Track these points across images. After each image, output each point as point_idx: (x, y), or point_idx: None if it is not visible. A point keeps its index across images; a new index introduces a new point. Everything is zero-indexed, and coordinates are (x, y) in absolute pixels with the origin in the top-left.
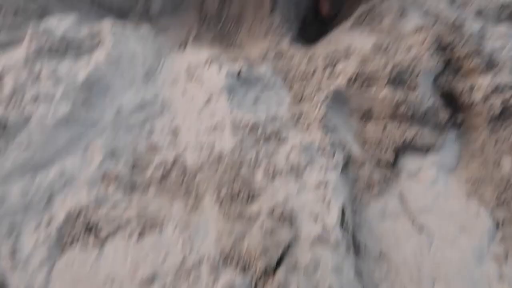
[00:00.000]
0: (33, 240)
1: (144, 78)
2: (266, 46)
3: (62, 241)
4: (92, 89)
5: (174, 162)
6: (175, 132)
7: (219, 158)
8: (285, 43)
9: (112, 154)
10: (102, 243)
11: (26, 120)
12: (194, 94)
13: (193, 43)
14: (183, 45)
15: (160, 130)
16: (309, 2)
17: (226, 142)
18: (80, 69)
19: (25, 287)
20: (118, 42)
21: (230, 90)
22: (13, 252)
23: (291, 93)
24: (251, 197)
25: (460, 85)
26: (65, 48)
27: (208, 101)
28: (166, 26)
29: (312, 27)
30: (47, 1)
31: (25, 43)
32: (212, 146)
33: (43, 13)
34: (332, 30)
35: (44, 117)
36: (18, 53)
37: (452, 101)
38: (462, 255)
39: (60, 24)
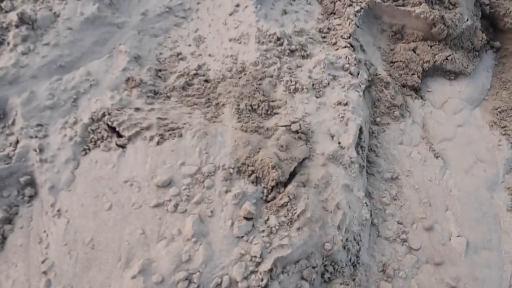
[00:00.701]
0: (60, 138)
1: None
2: None
3: (87, 141)
4: None
5: (197, 72)
6: (199, 41)
7: (242, 69)
8: None
9: (136, 59)
10: (124, 145)
11: (54, 18)
12: (222, 1)
13: None
14: None
15: (185, 38)
16: None
17: (249, 54)
18: None
19: (50, 183)
20: None
21: None
22: (41, 149)
23: (322, 5)
24: (270, 111)
25: (504, 6)
26: None
27: (236, 9)
28: None
29: None
30: None
31: None
32: (235, 57)
33: None
34: None
35: (72, 16)
36: None
37: (492, 24)
38: (474, 184)
39: None
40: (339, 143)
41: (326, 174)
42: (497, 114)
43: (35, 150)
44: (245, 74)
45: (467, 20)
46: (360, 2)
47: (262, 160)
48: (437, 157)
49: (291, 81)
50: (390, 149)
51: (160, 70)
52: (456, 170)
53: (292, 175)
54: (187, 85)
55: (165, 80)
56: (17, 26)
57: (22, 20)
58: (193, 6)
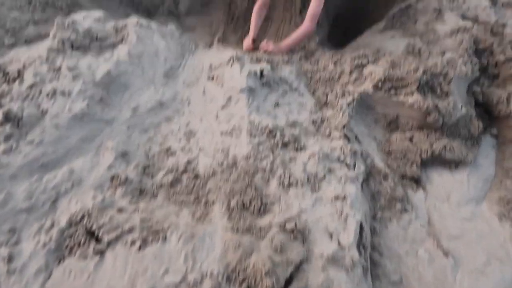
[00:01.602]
0: (32, 245)
1: (164, 77)
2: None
3: (62, 248)
4: (110, 86)
5: (186, 167)
6: (190, 135)
7: (233, 164)
8: (312, 45)
9: (123, 156)
10: (102, 251)
11: (41, 116)
12: (214, 94)
13: (219, 43)
14: (209, 44)
15: (176, 132)
16: (340, 4)
17: (241, 147)
18: (101, 65)
19: None
20: (141, 38)
21: (251, 92)
22: (11, 257)
23: (315, 97)
24: (262, 209)
25: (497, 94)
26: (89, 43)
27: (227, 102)
28: (193, 25)
29: (342, 29)
30: None
31: (50, 36)
32: (226, 151)
33: (71, 9)
34: (362, 33)
35: (59, 113)
36: (42, 47)
37: (487, 111)
38: (491, 286)
39: (86, 19)
40: (338, 242)
41: (326, 279)
42: (505, 206)
43: (4, 260)
44: (236, 169)
45: (462, 108)
46: (353, 92)
47: (254, 265)
48: (446, 256)
49: (285, 175)
50: (394, 248)
51: (148, 167)
52: (469, 270)
53: (289, 281)
54: (176, 181)
55: (152, 177)
56: (1, 124)
57: (7, 118)
58: (185, 100)
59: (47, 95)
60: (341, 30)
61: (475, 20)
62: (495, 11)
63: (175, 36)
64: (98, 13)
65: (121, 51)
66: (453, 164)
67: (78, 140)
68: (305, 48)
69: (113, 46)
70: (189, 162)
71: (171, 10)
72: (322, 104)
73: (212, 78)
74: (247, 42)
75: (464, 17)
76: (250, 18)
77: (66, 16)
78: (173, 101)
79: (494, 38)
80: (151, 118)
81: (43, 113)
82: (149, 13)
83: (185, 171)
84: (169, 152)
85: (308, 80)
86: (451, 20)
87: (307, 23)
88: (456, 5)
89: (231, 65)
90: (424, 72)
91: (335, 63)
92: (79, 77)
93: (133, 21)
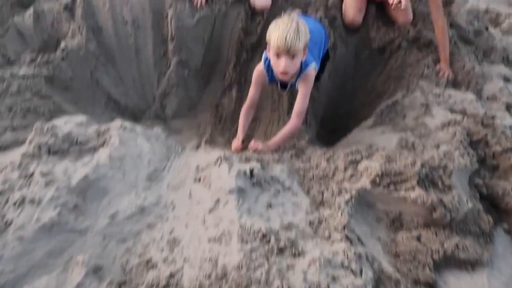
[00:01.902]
0: None
1: (147, 180)
2: (282, 146)
3: None
4: (87, 192)
5: (169, 282)
6: (174, 244)
7: (223, 275)
8: (302, 144)
9: (96, 271)
10: None
11: (4, 227)
12: (201, 197)
13: (206, 145)
14: (196, 146)
15: (158, 241)
16: (327, 106)
17: (231, 255)
18: (78, 170)
19: None
20: (124, 141)
21: (240, 193)
22: None
23: (309, 197)
24: None
25: (501, 186)
26: (68, 147)
27: (215, 205)
28: (180, 128)
29: (330, 129)
30: (59, 103)
31: (27, 142)
32: (215, 260)
33: (53, 115)
34: (351, 131)
35: (25, 224)
36: (16, 153)
37: (493, 205)
38: None
39: (68, 123)
40: None
41: None
42: None
43: None
44: (227, 281)
45: (467, 202)
46: (350, 190)
47: None
48: None
49: (283, 287)
50: None
51: (124, 283)
52: None
53: None
54: None
55: None
56: None
57: None
58: (170, 205)
59: (14, 204)
60: (329, 129)
61: (464, 113)
62: (481, 104)
63: (160, 139)
64: (81, 118)
65: (102, 154)
66: (469, 265)
67: (44, 254)
68: (296, 147)
69: (94, 149)
70: (172, 276)
71: (158, 114)
72: (318, 204)
73: (199, 180)
74: (236, 143)
75: (452, 110)
76: (238, 119)
77: (47, 122)
78: (156, 206)
79: (486, 129)
80: (131, 225)
81: (7, 224)
82: (135, 117)
83: (167, 286)
84: (149, 264)
85: (301, 178)
86: (440, 114)
87: (293, 121)
88: (442, 99)
89: (219, 165)
90: (422, 165)
91: (327, 160)
92: (53, 183)
93: (116, 125)
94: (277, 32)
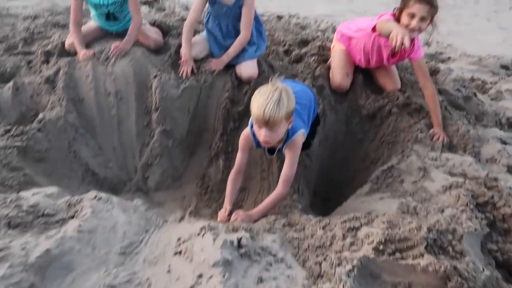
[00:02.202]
0: None
1: (120, 255)
2: (273, 216)
3: None
4: (47, 269)
5: None
6: None
7: None
8: (295, 213)
9: None
10: None
11: None
12: (181, 272)
13: (190, 216)
14: (179, 219)
15: None
16: (319, 173)
17: None
18: (40, 244)
19: None
20: (97, 212)
21: (227, 266)
22: None
23: (306, 269)
24: None
25: None
26: (32, 220)
27: (197, 280)
28: (163, 200)
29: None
30: (31, 176)
31: None
32: None
33: (23, 188)
34: (346, 198)
35: None
36: None
37: (510, 273)
38: None
39: (36, 194)
40: None
41: None
42: None
43: None
44: None
45: (484, 270)
46: (351, 259)
47: None
48: None
49: None
50: None
51: None
52: None
53: None
54: None
55: None
56: None
57: None
58: (145, 282)
59: None
60: (323, 198)
61: (465, 175)
62: (481, 167)
63: (139, 210)
64: (52, 189)
65: (70, 226)
66: None
67: None
68: (287, 216)
69: (62, 222)
70: None
71: (140, 186)
72: (316, 276)
73: (180, 253)
74: (222, 214)
75: (451, 174)
76: (225, 189)
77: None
78: (128, 284)
79: (491, 191)
80: None
81: None
82: (115, 190)
83: None
84: None
85: (295, 249)
86: (440, 177)
87: (280, 187)
88: (440, 163)
89: (203, 235)
90: (429, 230)
91: (323, 228)
92: (6, 259)
93: (90, 195)
94: (257, 102)
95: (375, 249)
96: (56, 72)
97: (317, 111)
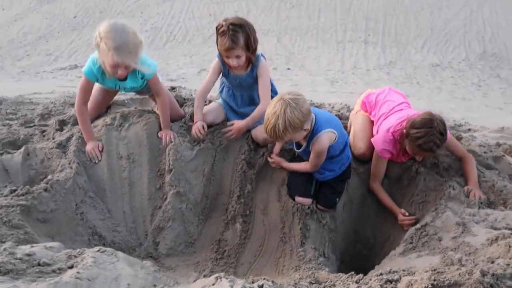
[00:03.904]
0: None
1: None
2: (298, 275)
3: None
4: None
5: None
6: None
7: None
8: (322, 273)
9: None
10: None
11: None
12: None
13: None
14: (193, 281)
15: None
16: (346, 238)
17: None
18: None
19: None
20: (99, 262)
21: None
22: None
23: None
24: None
25: None
26: (25, 268)
27: None
28: (175, 265)
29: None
30: (32, 235)
31: None
32: None
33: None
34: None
35: None
36: None
37: None
38: None
39: (34, 246)
40: None
41: None
42: None
43: None
44: None
45: None
46: None
47: None
48: None
49: None
50: None
51: None
52: None
53: None
54: None
55: None
56: None
57: None
58: None
59: None
60: (352, 267)
61: (510, 229)
62: None
63: (147, 267)
64: (53, 243)
65: (67, 273)
66: None
67: None
68: (314, 276)
69: (60, 271)
70: None
71: (150, 252)
72: None
73: None
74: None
75: (495, 228)
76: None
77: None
78: None
79: None
80: None
81: None
82: None
83: None
84: None
85: None
86: (483, 232)
87: (308, 165)
88: (480, 218)
89: (218, 284)
90: (483, 273)
91: (357, 282)
92: None
93: (94, 249)
94: (265, 118)
95: None
96: (69, 138)
97: (350, 157)
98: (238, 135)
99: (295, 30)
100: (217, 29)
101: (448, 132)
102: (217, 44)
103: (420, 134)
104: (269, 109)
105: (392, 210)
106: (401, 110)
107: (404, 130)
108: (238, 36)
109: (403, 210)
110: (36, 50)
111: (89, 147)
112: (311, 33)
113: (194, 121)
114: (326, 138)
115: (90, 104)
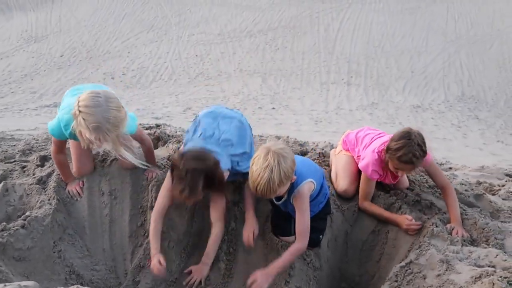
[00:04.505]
0: None
1: None
2: None
3: None
4: None
5: None
6: None
7: None
8: None
9: None
10: None
11: None
12: None
13: None
14: None
15: None
16: (331, 276)
17: None
18: None
19: None
20: None
21: None
22: None
23: None
24: None
25: None
26: None
27: None
28: None
29: None
30: (8, 274)
31: None
32: None
33: None
34: None
35: None
36: None
37: None
38: None
39: (7, 286)
40: None
41: None
42: None
43: None
44: None
45: None
46: None
47: None
48: None
49: None
50: None
51: None
52: None
53: None
54: None
55: None
56: None
57: None
58: None
59: None
60: None
61: (494, 266)
62: (509, 257)
63: None
64: (29, 283)
65: None
66: None
67: None
68: None
69: None
70: None
71: None
72: None
73: None
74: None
75: (478, 266)
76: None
77: None
78: None
79: None
80: None
81: None
82: None
83: None
84: None
85: None
86: (466, 269)
87: (299, 241)
88: (463, 255)
89: None
90: None
91: None
92: None
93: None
94: (251, 177)
95: None
96: (50, 174)
97: (328, 193)
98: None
99: (280, 71)
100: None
101: (429, 154)
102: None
103: (399, 146)
104: (257, 164)
105: (392, 219)
106: (383, 136)
107: (385, 147)
108: (197, 188)
109: (408, 216)
110: (21, 87)
111: (70, 186)
112: (295, 75)
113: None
114: (307, 189)
115: (75, 163)
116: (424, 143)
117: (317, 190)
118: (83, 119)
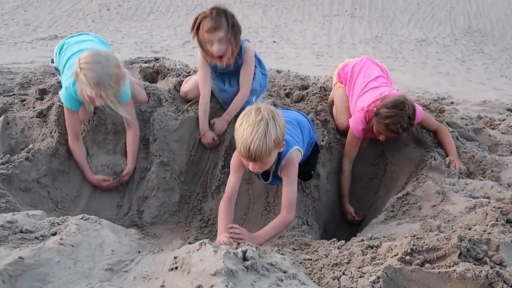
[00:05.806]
0: None
1: (107, 271)
2: (281, 242)
3: None
4: (19, 279)
5: None
6: None
7: None
8: (305, 240)
9: None
10: None
11: None
12: (177, 286)
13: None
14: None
15: None
16: (329, 208)
17: None
18: (12, 253)
19: None
20: (83, 229)
21: (230, 277)
22: None
23: (322, 286)
24: None
25: None
26: (7, 235)
27: None
28: (159, 233)
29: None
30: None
31: None
32: None
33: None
34: (360, 229)
35: None
36: None
37: None
38: None
39: (16, 214)
40: None
41: None
42: None
43: None
44: None
45: None
46: (374, 271)
47: None
48: None
49: None
50: None
51: None
52: None
53: None
54: None
55: None
56: None
57: None
58: None
59: None
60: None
61: (488, 198)
62: (504, 189)
63: (131, 234)
64: (36, 212)
65: (50, 240)
66: None
67: None
68: (298, 242)
69: (43, 238)
70: None
71: (134, 220)
72: None
73: (176, 268)
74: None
75: (473, 197)
76: None
77: None
78: None
79: None
80: None
81: None
82: None
83: None
84: None
85: (307, 269)
86: (461, 200)
87: (284, 213)
88: (459, 187)
89: (202, 249)
90: (461, 239)
91: (339, 248)
92: None
93: (77, 216)
94: (241, 136)
95: (401, 260)
96: (50, 107)
97: (315, 138)
98: (222, 130)
99: (282, 3)
100: (197, 18)
101: (420, 111)
102: (198, 40)
103: (389, 114)
104: (248, 120)
105: (342, 199)
106: (376, 87)
107: (375, 109)
108: (222, 19)
109: (353, 211)
110: (14, 19)
111: (93, 180)
112: (297, 6)
113: (201, 133)
114: (296, 158)
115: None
116: (414, 115)
117: (304, 156)
118: (84, 75)
